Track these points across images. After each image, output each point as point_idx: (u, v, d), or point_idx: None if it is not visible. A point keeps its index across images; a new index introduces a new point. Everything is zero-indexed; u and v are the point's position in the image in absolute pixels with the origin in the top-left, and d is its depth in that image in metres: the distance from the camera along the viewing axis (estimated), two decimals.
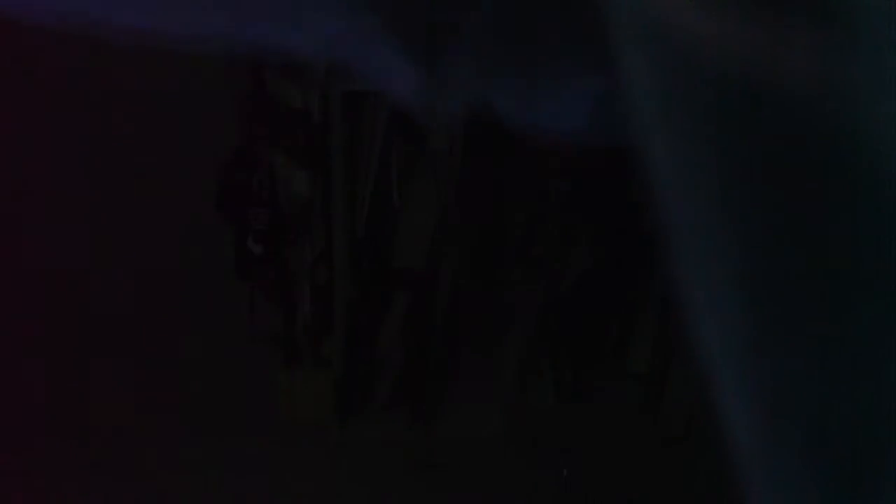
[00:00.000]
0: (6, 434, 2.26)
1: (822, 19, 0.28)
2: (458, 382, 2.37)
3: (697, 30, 0.29)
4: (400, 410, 2.33)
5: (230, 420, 2.31)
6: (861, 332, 0.33)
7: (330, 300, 2.10)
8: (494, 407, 2.36)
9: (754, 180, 0.32)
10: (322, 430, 2.31)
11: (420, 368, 2.26)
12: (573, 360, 2.33)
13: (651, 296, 2.23)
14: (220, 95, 2.00)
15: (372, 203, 1.96)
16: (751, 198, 0.32)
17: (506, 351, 2.29)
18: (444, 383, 2.33)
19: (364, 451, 2.33)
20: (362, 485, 2.30)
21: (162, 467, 2.27)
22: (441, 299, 2.12)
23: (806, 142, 0.30)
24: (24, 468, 2.25)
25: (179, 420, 2.32)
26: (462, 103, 1.88)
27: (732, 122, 0.31)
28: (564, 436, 2.39)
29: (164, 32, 0.69)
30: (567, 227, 2.07)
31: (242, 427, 2.32)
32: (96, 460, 2.27)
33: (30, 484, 2.25)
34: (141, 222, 2.32)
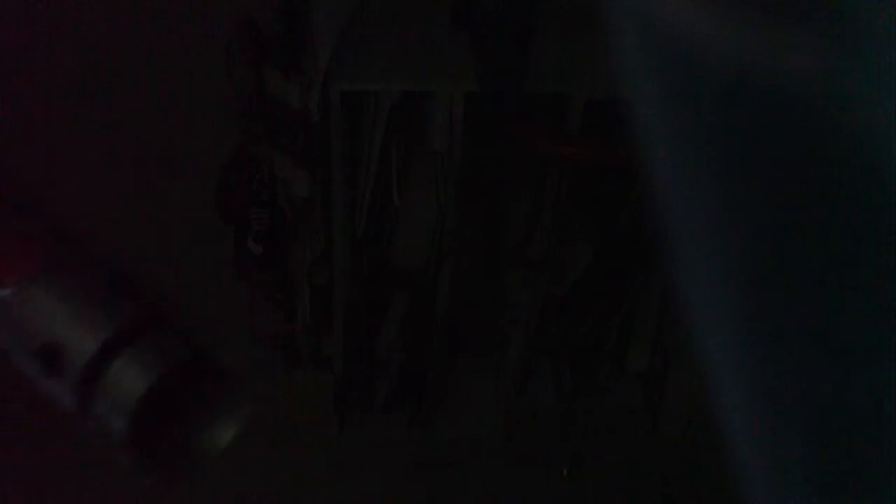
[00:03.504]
0: (7, 434, 2.26)
1: (823, 19, 0.28)
2: (458, 382, 2.37)
3: (697, 29, 0.29)
4: (400, 410, 2.33)
5: None
6: (863, 332, 0.33)
7: (330, 300, 2.11)
8: (494, 407, 2.36)
9: (754, 180, 0.32)
10: (322, 430, 2.31)
11: (420, 369, 2.27)
12: (573, 360, 2.34)
13: (651, 295, 2.23)
14: (220, 95, 2.00)
15: (372, 203, 1.97)
16: (751, 197, 0.32)
17: (506, 351, 2.30)
18: (444, 383, 2.34)
19: (364, 451, 2.33)
20: (362, 485, 2.30)
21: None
22: (441, 299, 2.13)
23: (807, 141, 0.30)
24: (23, 468, 2.25)
25: None
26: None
27: (732, 122, 0.31)
28: (564, 436, 2.39)
29: None
30: (567, 227, 2.07)
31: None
32: (96, 459, 2.27)
33: (29, 484, 2.25)
34: (140, 222, 2.32)
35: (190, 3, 2.10)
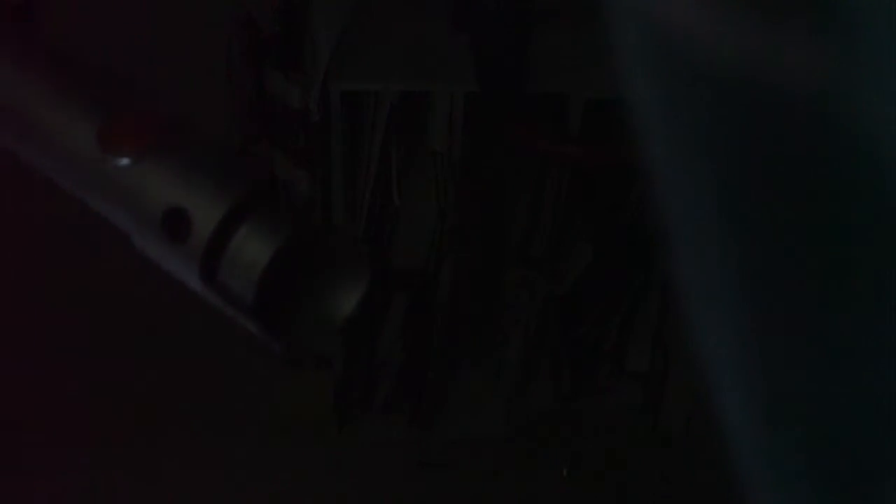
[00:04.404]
0: (6, 433, 2.26)
1: (822, 19, 0.28)
2: (459, 382, 2.37)
3: (697, 29, 0.29)
4: (400, 411, 2.33)
5: (230, 420, 2.31)
6: (865, 333, 0.33)
7: None
8: (495, 407, 2.36)
9: (755, 179, 0.32)
10: (322, 430, 2.31)
11: (420, 369, 2.27)
12: (573, 360, 2.33)
13: (651, 295, 2.23)
14: (220, 95, 2.00)
15: (372, 203, 1.97)
16: (751, 196, 0.32)
17: (506, 351, 2.30)
18: (445, 383, 2.34)
19: (364, 451, 2.33)
20: (362, 485, 2.30)
21: (161, 467, 2.27)
22: (441, 299, 2.13)
23: (806, 142, 0.30)
24: (22, 467, 2.25)
25: (179, 420, 2.32)
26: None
27: (732, 122, 0.31)
28: (564, 436, 2.39)
29: None
30: (567, 227, 2.07)
31: (242, 427, 2.32)
32: (95, 460, 2.27)
33: (29, 483, 2.25)
34: None
35: (189, 3, 2.10)
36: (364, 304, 0.61)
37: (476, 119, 1.87)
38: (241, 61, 1.95)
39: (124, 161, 0.64)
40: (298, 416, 2.29)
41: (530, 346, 2.27)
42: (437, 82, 1.84)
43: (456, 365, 2.35)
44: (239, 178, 0.64)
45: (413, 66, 1.84)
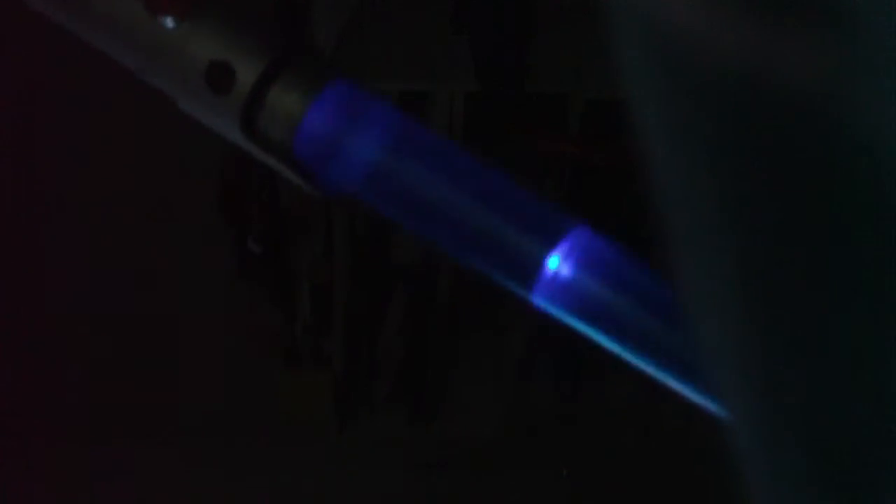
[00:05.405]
0: (6, 433, 2.26)
1: (822, 19, 0.28)
2: (458, 382, 2.37)
3: (696, 29, 0.29)
4: (400, 410, 2.33)
5: (230, 420, 2.31)
6: (864, 332, 0.33)
7: (330, 300, 2.11)
8: (495, 407, 2.36)
9: (754, 180, 0.32)
10: (322, 430, 2.31)
11: (420, 367, 2.27)
12: (573, 360, 2.33)
13: None
14: None
15: None
16: (752, 198, 0.32)
17: (506, 350, 2.30)
18: (445, 383, 2.34)
19: (364, 451, 2.33)
20: (362, 485, 2.30)
21: (161, 467, 2.27)
22: (441, 298, 2.13)
23: (807, 142, 0.30)
24: (21, 468, 2.25)
25: (179, 420, 2.32)
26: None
27: (732, 122, 0.31)
28: (564, 436, 2.39)
29: None
30: None
31: (242, 427, 2.32)
32: (94, 460, 2.27)
33: (28, 484, 2.25)
34: (140, 222, 2.32)
35: None
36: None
37: (476, 119, 1.87)
38: None
39: (169, 20, 0.68)
40: (298, 416, 2.29)
41: (530, 345, 2.27)
42: (437, 82, 1.85)
43: (456, 364, 2.35)
44: (278, 35, 0.68)
45: (413, 65, 1.84)
